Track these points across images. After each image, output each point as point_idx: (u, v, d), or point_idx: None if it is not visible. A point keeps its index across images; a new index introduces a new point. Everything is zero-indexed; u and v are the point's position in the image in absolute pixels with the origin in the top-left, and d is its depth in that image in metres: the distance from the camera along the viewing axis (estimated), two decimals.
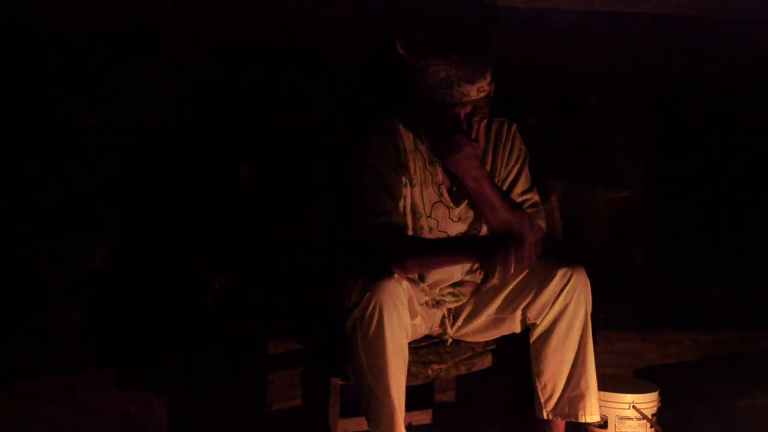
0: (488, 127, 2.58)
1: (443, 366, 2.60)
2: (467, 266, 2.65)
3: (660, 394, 2.93)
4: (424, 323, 2.61)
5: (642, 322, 3.46)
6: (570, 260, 2.57)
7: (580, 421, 2.58)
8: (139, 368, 2.88)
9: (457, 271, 2.65)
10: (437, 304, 2.66)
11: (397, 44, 2.48)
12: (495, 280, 2.44)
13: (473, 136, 2.47)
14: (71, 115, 2.81)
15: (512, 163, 2.65)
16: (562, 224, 3.08)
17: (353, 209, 2.54)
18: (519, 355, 2.63)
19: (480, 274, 2.69)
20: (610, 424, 2.86)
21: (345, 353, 2.40)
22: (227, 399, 2.91)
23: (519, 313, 2.60)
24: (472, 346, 2.68)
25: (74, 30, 2.79)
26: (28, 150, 2.77)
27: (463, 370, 2.64)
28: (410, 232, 2.58)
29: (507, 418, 2.81)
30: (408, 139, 2.57)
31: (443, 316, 2.68)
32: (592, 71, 3.35)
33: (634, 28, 3.37)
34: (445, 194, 2.61)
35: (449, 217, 2.61)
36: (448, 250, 2.56)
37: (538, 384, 2.59)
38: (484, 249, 2.47)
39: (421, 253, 2.53)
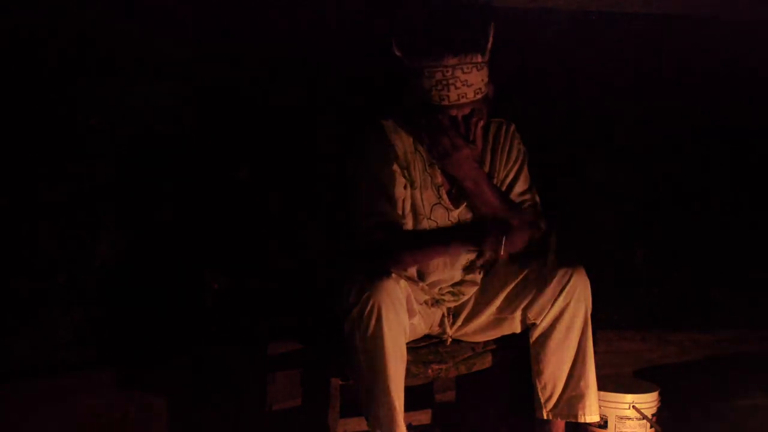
0: (486, 128, 2.58)
1: (443, 366, 2.60)
2: (467, 264, 2.65)
3: (660, 394, 2.93)
4: (424, 322, 2.62)
5: (642, 322, 3.46)
6: (570, 260, 2.57)
7: (579, 421, 2.58)
8: (139, 368, 2.88)
9: (457, 272, 2.66)
10: (437, 303, 2.66)
11: (393, 46, 2.48)
12: (495, 255, 2.47)
13: (470, 137, 2.47)
14: (71, 115, 2.81)
15: (511, 163, 2.65)
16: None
17: (351, 209, 2.54)
18: (519, 355, 2.63)
19: (480, 274, 2.70)
20: (610, 424, 2.86)
21: (345, 353, 2.40)
22: (227, 399, 2.91)
23: (519, 313, 2.60)
24: (472, 346, 2.68)
25: (74, 30, 2.79)
26: (29, 150, 2.77)
27: (463, 370, 2.64)
28: None
29: (507, 418, 2.81)
30: (408, 141, 2.58)
31: (443, 316, 2.68)
32: (591, 71, 3.35)
33: (634, 28, 3.37)
34: (445, 196, 2.61)
35: (448, 219, 2.61)
36: (441, 240, 2.57)
37: (538, 384, 2.60)
38: (475, 236, 2.48)
39: (415, 247, 2.54)
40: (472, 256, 2.65)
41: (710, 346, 3.45)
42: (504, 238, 2.39)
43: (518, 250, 2.52)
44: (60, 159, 2.81)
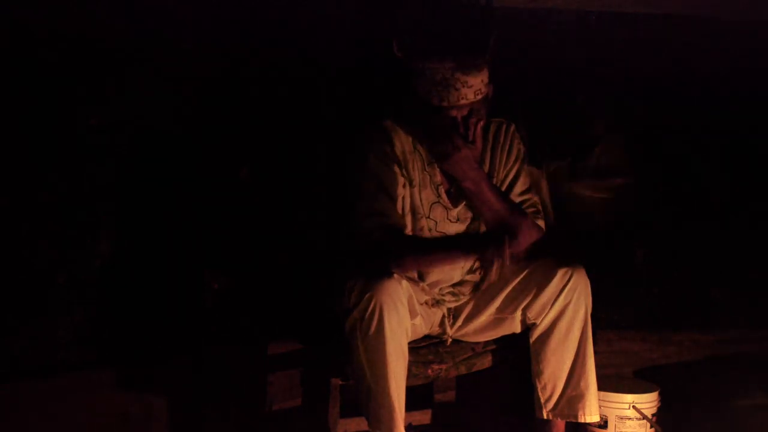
0: (486, 128, 2.58)
1: (443, 366, 2.60)
2: (467, 266, 2.66)
3: (660, 394, 2.93)
4: (424, 323, 2.62)
5: (642, 322, 3.46)
6: (570, 260, 2.57)
7: (579, 421, 2.58)
8: (139, 368, 2.88)
9: (457, 272, 2.66)
10: (437, 303, 2.66)
11: (394, 46, 2.48)
12: (492, 277, 2.46)
13: (470, 138, 2.47)
14: (71, 115, 2.81)
15: (511, 163, 2.65)
16: (553, 214, 3.11)
17: (352, 209, 2.54)
18: (519, 355, 2.63)
19: (479, 273, 2.70)
20: (610, 424, 2.86)
21: (345, 353, 2.40)
22: (227, 399, 2.91)
23: (519, 313, 2.60)
24: (472, 346, 2.68)
25: (74, 30, 2.79)
26: (29, 150, 2.77)
27: (463, 370, 2.64)
28: (410, 232, 2.58)
29: (507, 418, 2.81)
30: (407, 141, 2.58)
31: (443, 316, 2.68)
32: (592, 71, 3.35)
33: (634, 28, 3.37)
34: (444, 195, 2.61)
35: (447, 218, 2.61)
36: (443, 248, 2.57)
37: (538, 384, 2.59)
38: (478, 246, 2.48)
39: (417, 252, 2.54)
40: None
41: (710, 346, 3.45)
42: (507, 248, 2.39)
43: (521, 251, 2.52)
44: (60, 159, 2.81)
